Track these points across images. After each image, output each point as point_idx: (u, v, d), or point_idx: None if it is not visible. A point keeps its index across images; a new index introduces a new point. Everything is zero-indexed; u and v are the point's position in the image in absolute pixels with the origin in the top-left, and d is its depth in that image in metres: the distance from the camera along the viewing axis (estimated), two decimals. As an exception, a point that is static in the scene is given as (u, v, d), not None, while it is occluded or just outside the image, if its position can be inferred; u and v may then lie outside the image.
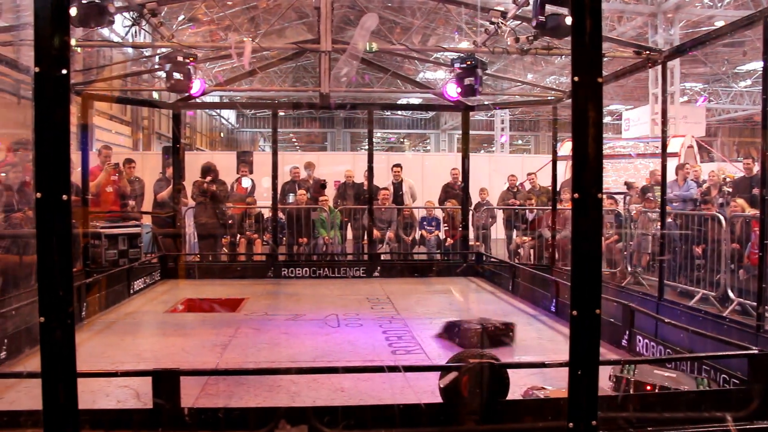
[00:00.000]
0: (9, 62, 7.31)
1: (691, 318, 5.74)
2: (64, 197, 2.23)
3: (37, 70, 2.18)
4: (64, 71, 2.21)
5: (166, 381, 3.37)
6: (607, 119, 35.55)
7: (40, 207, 2.22)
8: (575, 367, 2.51)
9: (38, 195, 2.23)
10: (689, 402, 3.68)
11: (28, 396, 4.23)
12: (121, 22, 10.55)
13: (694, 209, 10.59)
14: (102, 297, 7.52)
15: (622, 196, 11.90)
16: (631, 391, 4.00)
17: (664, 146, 7.09)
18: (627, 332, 5.74)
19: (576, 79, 2.47)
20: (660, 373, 4.20)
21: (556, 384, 4.46)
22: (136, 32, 7.98)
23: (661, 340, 5.38)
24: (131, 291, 8.58)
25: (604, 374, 4.25)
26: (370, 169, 10.82)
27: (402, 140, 48.68)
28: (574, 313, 2.50)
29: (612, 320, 5.93)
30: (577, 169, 2.50)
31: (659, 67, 7.33)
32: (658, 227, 8.47)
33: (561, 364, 3.84)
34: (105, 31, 14.43)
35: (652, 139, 16.52)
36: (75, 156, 8.53)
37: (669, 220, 10.13)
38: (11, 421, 3.42)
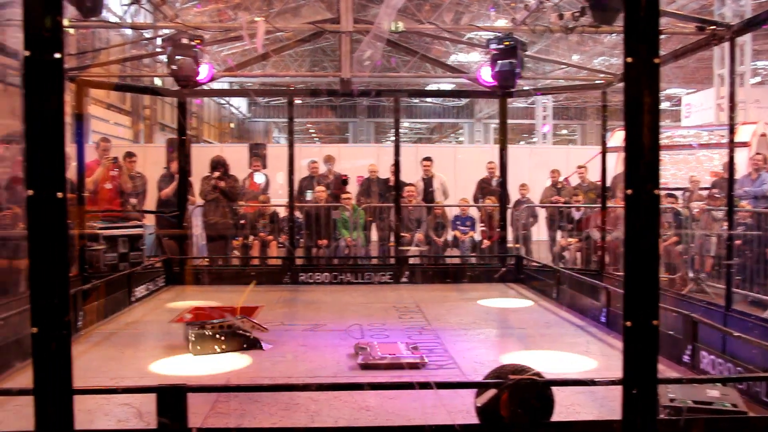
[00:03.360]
0: (-4, 46, 7.41)
1: (765, 331, 5.65)
2: (59, 195, 2.26)
3: (27, 54, 2.21)
4: (57, 55, 2.23)
5: (171, 398, 3.39)
6: (664, 105, 35.20)
7: (32, 206, 2.25)
8: (630, 385, 2.49)
9: (30, 192, 2.26)
10: (764, 428, 3.63)
11: (17, 415, 4.28)
12: (119, 0, 10.67)
13: (768, 207, 10.44)
14: (100, 305, 7.60)
15: (681, 192, 11.78)
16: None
17: (732, 135, 6.99)
18: (689, 347, 5.67)
19: (629, 60, 2.45)
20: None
21: (608, 406, 4.43)
22: (135, 12, 8.04)
23: (729, 357, 5.30)
24: (132, 298, 8.66)
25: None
26: (397, 164, 10.83)
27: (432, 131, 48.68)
28: (628, 324, 2.48)
29: (671, 333, 5.86)
30: (631, 162, 2.48)
31: (726, 44, 7.22)
32: (725, 227, 8.36)
33: (613, 382, 3.81)
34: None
35: (718, 127, 16.29)
36: (70, 149, 8.64)
37: (749, 220, 10.00)
38: (0, 443, 3.47)
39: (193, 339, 6.06)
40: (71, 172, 8.69)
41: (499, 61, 8.88)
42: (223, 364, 5.74)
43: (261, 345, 6.14)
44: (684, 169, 15.29)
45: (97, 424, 4.19)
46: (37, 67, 2.21)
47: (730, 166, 6.99)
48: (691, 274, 10.66)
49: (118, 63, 11.35)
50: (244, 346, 6.10)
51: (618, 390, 2.56)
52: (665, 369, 5.58)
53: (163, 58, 9.24)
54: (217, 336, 6.07)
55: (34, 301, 2.30)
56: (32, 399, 2.38)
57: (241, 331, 6.16)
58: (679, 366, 5.73)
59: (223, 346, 6.03)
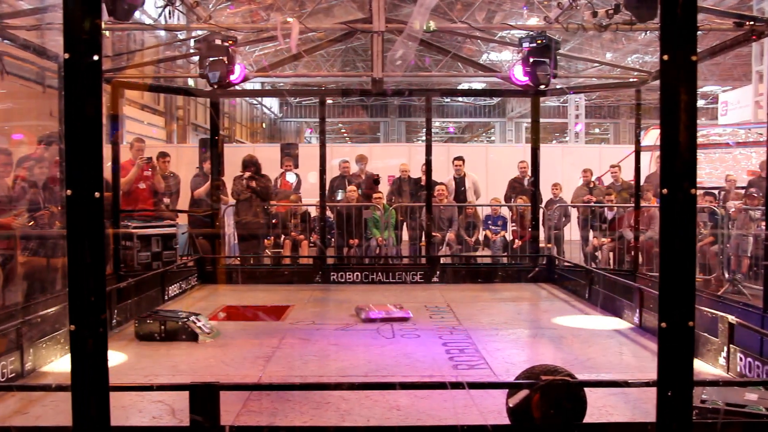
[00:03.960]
0: (36, 49, 7.53)
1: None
2: (96, 194, 2.29)
3: (66, 56, 2.24)
4: (96, 57, 2.26)
5: (204, 396, 3.43)
6: (700, 102, 34.72)
7: (70, 205, 2.28)
8: (664, 387, 2.46)
9: (68, 192, 2.29)
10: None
11: (56, 411, 4.37)
12: (154, 3, 10.77)
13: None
14: (134, 303, 7.70)
15: (717, 191, 11.62)
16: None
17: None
18: (725, 349, 5.59)
19: (665, 57, 2.43)
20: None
21: (641, 408, 4.38)
22: (169, 14, 8.11)
23: (767, 359, 5.22)
24: (166, 297, 8.75)
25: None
26: (428, 163, 10.81)
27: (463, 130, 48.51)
28: (663, 325, 2.45)
29: (706, 334, 5.79)
30: (667, 161, 2.45)
31: (765, 40, 7.09)
32: (763, 227, 8.23)
33: (647, 384, 3.77)
34: (136, 13, 14.76)
35: (756, 125, 16.04)
36: (105, 149, 8.75)
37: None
38: (39, 438, 3.53)
39: (137, 324, 6.63)
40: (106, 172, 8.81)
41: (533, 60, 8.83)
42: (253, 363, 5.79)
43: (198, 338, 6.47)
44: (720, 167, 15.08)
45: (132, 421, 4.24)
46: (77, 69, 2.24)
47: (769, 165, 6.88)
48: (727, 275, 10.51)
49: (153, 64, 11.47)
50: (183, 337, 6.48)
51: (652, 392, 2.54)
52: (700, 371, 5.51)
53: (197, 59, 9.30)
54: (159, 324, 6.54)
55: (72, 299, 2.34)
56: (69, 395, 2.42)
57: (181, 323, 6.53)
58: (714, 368, 5.65)
59: (163, 335, 6.51)
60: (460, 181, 12.84)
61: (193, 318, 6.63)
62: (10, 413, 4.41)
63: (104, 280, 2.39)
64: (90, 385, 2.38)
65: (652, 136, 15.63)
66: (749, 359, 5.33)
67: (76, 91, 2.25)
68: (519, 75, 9.23)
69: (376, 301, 8.17)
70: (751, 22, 7.34)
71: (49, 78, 13.33)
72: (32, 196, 7.97)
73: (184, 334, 6.46)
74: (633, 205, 10.27)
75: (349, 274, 10.49)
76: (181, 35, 14.84)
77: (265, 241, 11.85)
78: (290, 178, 12.98)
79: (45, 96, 13.27)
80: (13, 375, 5.15)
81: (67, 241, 2.29)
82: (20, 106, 12.29)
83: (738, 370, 5.42)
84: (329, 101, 37.28)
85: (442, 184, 12.44)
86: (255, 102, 37.13)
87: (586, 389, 3.56)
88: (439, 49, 11.80)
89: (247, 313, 8.14)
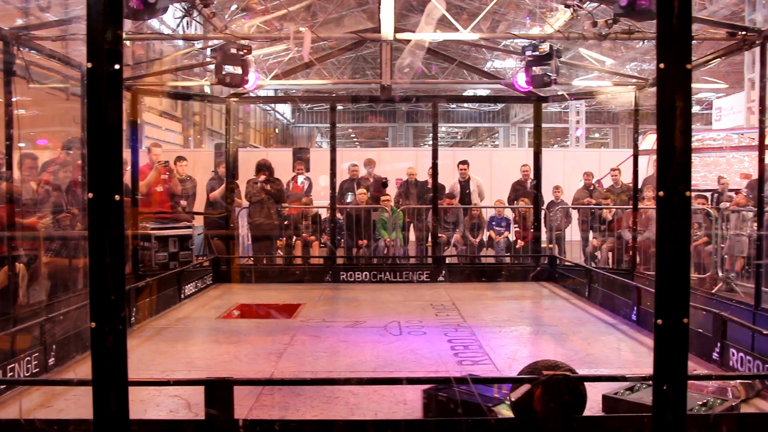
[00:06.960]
0: (61, 58, 7.57)
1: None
2: (116, 197, 2.30)
3: (89, 65, 2.25)
4: (117, 66, 2.27)
5: (219, 390, 3.44)
6: (695, 108, 34.56)
7: (92, 208, 2.29)
8: (660, 381, 2.46)
9: (90, 195, 2.30)
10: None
11: (77, 404, 4.39)
12: (172, 14, 10.79)
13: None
14: (152, 302, 7.72)
15: (710, 193, 11.56)
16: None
17: (762, 138, 6.86)
18: (718, 344, 5.58)
19: (662, 65, 2.42)
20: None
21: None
22: (187, 24, 8.14)
23: (758, 354, 5.20)
24: (182, 295, 8.78)
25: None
26: (435, 166, 10.81)
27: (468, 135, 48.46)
28: (659, 322, 2.45)
29: (701, 331, 5.78)
30: (663, 165, 2.45)
31: (757, 49, 7.08)
32: (755, 228, 8.18)
33: (644, 378, 3.77)
34: (155, 23, 14.81)
35: (748, 130, 15.97)
36: (125, 154, 8.78)
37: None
38: (61, 430, 3.55)
39: None
40: (126, 176, 8.83)
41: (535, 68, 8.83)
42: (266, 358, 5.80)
43: None
44: (714, 171, 15.02)
45: (150, 414, 4.26)
46: (99, 77, 2.25)
47: (761, 168, 6.86)
48: (720, 274, 10.46)
49: (170, 72, 11.49)
50: None
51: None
52: (695, 366, 5.49)
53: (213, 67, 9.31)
54: None
55: (92, 298, 2.34)
56: (90, 389, 2.43)
57: None
58: (708, 363, 5.64)
59: None
60: (465, 183, 12.83)
61: None
62: (34, 406, 4.44)
63: (124, 279, 2.40)
64: (110, 380, 2.39)
65: (649, 141, 15.56)
66: (741, 354, 5.32)
67: (97, 98, 2.26)
68: (522, 82, 9.25)
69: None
70: (743, 32, 7.34)
71: (72, 86, 13.38)
72: (56, 199, 8.00)
73: None
74: (631, 206, 10.25)
75: (358, 274, 10.51)
76: (198, 44, 14.87)
77: (278, 241, 11.87)
78: (302, 181, 12.99)
79: (69, 103, 13.31)
80: (37, 370, 5.18)
81: (88, 242, 2.30)
82: (45, 113, 12.33)
83: (730, 364, 5.40)
84: (340, 107, 37.27)
85: (451, 196, 12.39)
86: (268, 108, 37.16)
87: (586, 384, 3.56)
88: (445, 56, 11.80)
89: (259, 311, 8.16)
